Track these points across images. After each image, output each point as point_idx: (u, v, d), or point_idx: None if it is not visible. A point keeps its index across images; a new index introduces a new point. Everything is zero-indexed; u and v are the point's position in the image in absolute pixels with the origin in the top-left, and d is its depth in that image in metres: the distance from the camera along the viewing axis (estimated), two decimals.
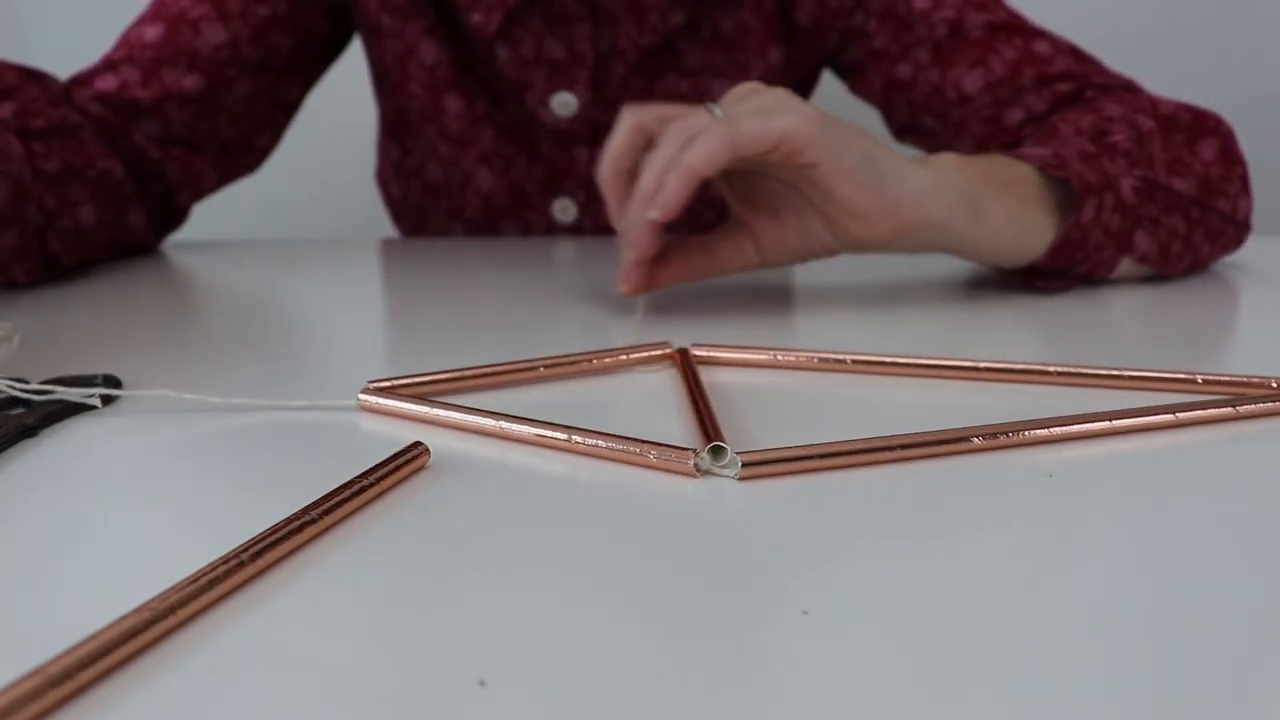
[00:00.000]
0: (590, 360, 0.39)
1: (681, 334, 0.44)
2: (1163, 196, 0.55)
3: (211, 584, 0.22)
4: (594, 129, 0.75)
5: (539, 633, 0.21)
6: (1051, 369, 0.38)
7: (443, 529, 0.26)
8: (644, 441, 0.30)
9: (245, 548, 0.23)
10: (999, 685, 0.19)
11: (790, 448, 0.30)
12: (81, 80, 0.69)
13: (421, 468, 0.30)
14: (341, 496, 0.26)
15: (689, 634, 0.21)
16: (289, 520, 0.25)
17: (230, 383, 0.39)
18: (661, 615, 0.22)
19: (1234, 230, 0.59)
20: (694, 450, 0.29)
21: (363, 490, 0.27)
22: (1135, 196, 0.54)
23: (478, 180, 0.78)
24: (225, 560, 0.22)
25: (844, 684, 0.19)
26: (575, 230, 0.79)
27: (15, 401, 0.35)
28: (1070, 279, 0.55)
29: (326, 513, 0.25)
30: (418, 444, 0.30)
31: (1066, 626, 0.21)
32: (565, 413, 0.33)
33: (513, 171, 0.77)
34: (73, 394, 0.35)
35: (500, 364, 0.38)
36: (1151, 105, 0.60)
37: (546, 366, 0.38)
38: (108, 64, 0.69)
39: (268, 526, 0.24)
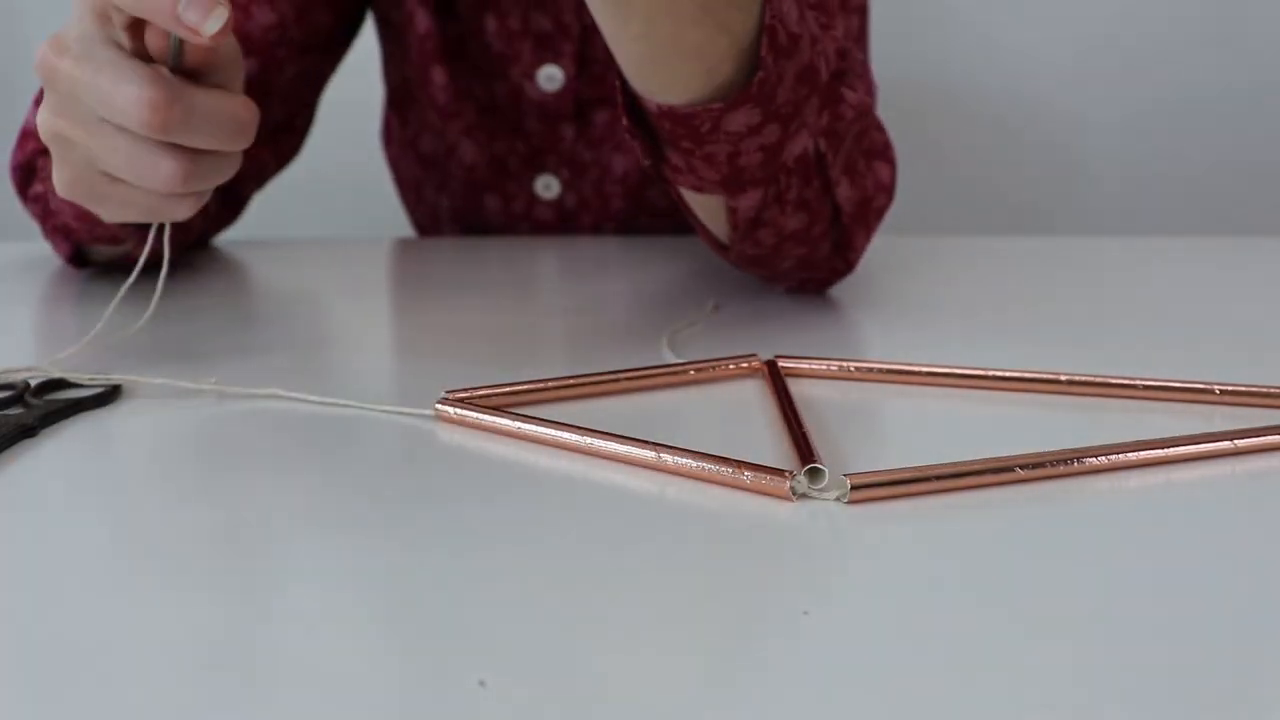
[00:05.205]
0: (673, 372, 0.38)
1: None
2: (817, 175, 0.47)
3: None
4: (579, 105, 0.75)
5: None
6: (1139, 383, 0.36)
7: (447, 526, 0.26)
8: (738, 462, 0.28)
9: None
10: None
11: (901, 470, 0.28)
12: None
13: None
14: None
15: (683, 633, 0.21)
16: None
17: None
18: (671, 617, 0.22)
19: (839, 260, 0.52)
20: (790, 472, 0.28)
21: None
22: (802, 141, 0.45)
23: (461, 153, 0.78)
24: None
25: None
26: (557, 207, 0.78)
27: (15, 401, 0.35)
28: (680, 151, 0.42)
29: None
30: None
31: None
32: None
33: (495, 146, 0.77)
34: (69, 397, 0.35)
35: (582, 375, 0.37)
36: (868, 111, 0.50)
37: (629, 378, 0.37)
38: None
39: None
